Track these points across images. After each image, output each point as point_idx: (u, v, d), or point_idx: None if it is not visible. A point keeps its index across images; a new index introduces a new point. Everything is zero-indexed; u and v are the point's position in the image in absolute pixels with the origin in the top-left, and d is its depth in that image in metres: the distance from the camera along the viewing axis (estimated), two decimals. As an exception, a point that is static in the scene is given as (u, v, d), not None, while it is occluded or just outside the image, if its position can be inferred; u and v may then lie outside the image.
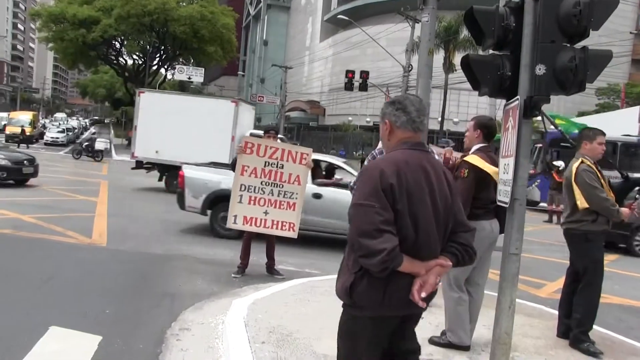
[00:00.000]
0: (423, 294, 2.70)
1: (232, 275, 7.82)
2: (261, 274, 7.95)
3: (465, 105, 62.15)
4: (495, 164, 5.02)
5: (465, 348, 5.15)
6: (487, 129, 5.32)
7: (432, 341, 5.25)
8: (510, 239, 4.05)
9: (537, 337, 5.77)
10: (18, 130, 42.49)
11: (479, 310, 5.42)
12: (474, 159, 5.09)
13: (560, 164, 19.15)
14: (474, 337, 5.40)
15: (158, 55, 53.78)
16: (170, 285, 7.23)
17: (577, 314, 5.62)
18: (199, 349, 5.05)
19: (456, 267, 2.99)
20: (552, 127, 7.31)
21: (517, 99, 3.88)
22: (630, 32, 56.29)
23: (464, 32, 38.75)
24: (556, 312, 6.52)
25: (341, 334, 3.04)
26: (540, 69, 3.78)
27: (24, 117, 47.76)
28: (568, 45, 3.92)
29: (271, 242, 8.18)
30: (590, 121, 42.32)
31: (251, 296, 6.46)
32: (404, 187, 2.72)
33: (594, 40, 4.29)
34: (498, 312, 4.13)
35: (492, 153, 5.25)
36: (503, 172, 4.17)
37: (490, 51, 4.37)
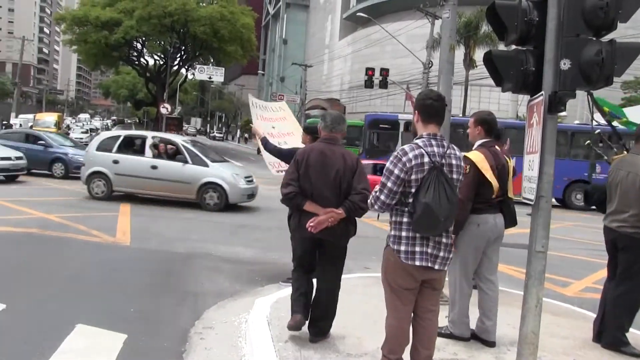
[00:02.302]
0: (312, 224, 4.63)
1: (280, 283, 7.36)
2: (284, 273, 7.92)
3: (486, 102, 61.51)
4: (497, 158, 5.19)
5: (465, 339, 5.21)
6: (487, 124, 5.36)
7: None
8: (536, 236, 3.99)
9: (565, 337, 5.68)
10: (44, 131, 42.93)
11: (497, 306, 5.38)
12: (475, 155, 5.14)
13: None
14: (499, 336, 5.35)
15: (179, 55, 54.10)
16: (193, 283, 7.27)
17: (616, 314, 5.47)
18: (223, 348, 5.06)
19: (347, 215, 4.71)
20: (601, 119, 7.07)
21: (542, 94, 3.82)
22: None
23: (484, 28, 38.40)
24: (584, 312, 6.45)
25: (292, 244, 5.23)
26: (565, 64, 3.71)
27: (50, 118, 48.22)
28: (594, 38, 3.85)
29: None
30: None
31: (274, 295, 6.46)
32: (305, 161, 4.79)
33: (620, 33, 4.21)
34: (524, 311, 4.08)
35: (494, 148, 5.32)
36: (528, 168, 4.11)
37: (513, 46, 4.32)
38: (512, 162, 5.79)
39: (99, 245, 9.20)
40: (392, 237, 3.86)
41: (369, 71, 34.59)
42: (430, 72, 37.84)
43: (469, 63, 40.14)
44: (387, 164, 3.83)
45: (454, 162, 3.87)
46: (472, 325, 5.36)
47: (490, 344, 5.21)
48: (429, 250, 3.78)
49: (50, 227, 10.26)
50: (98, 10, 47.31)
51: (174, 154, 14.63)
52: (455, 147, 3.95)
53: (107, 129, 78.60)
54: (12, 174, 17.84)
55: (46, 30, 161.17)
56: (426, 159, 3.74)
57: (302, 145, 7.41)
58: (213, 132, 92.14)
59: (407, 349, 4.00)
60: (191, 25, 46.05)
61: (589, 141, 9.05)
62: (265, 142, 7.09)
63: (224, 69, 49.66)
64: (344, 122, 5.09)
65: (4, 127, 46.18)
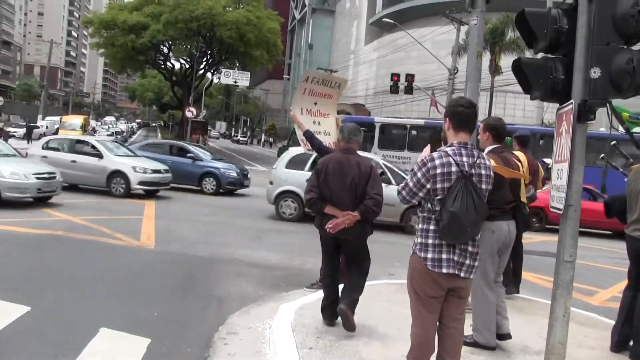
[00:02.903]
0: (331, 226, 5.27)
1: (305, 288, 7.37)
2: (308, 278, 7.90)
3: (511, 108, 61.12)
4: (508, 163, 5.25)
5: (491, 348, 5.18)
6: (496, 130, 5.38)
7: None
8: (564, 246, 3.94)
9: (592, 347, 5.59)
10: (71, 133, 43.54)
11: (505, 303, 5.51)
12: None
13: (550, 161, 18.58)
14: (525, 345, 5.30)
15: (205, 59, 54.51)
16: (217, 288, 7.29)
17: None
18: (247, 354, 5.06)
19: (362, 218, 5.29)
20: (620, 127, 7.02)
21: (571, 102, 3.78)
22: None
23: (510, 34, 38.12)
24: (611, 322, 6.32)
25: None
26: (596, 72, 3.67)
27: (76, 120, 48.87)
28: (625, 47, 3.80)
29: None
30: (642, 123, 40.94)
31: (298, 301, 6.46)
32: (324, 170, 5.42)
33: None
34: (552, 321, 4.03)
35: (505, 154, 5.39)
36: (556, 177, 4.06)
37: (541, 54, 4.28)
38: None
39: (123, 249, 9.28)
40: (418, 245, 3.84)
41: (395, 77, 34.56)
42: (456, 78, 37.74)
43: (495, 69, 39.78)
44: (414, 167, 3.84)
45: (483, 172, 3.83)
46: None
47: (506, 336, 5.28)
48: (455, 258, 3.75)
49: (75, 230, 10.37)
50: (125, 14, 47.99)
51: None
52: (485, 157, 3.91)
53: (132, 131, 79.57)
54: (154, 189, 17.08)
55: (74, 33, 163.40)
56: (454, 168, 3.71)
57: (333, 130, 7.50)
58: (237, 136, 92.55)
59: (433, 357, 3.96)
60: (217, 30, 46.37)
61: (603, 155, 8.95)
62: (311, 136, 6.98)
63: (249, 73, 49.93)
64: (359, 133, 5.68)
65: (31, 129, 46.91)
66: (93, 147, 17.26)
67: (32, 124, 48.52)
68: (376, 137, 25.58)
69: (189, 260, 8.80)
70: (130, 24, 46.80)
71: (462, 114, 3.87)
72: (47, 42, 67.60)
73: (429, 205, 3.80)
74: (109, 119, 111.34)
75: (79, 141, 18.27)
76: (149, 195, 16.83)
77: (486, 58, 39.54)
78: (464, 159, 3.77)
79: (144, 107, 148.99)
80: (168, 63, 58.28)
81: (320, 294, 6.76)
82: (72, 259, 8.38)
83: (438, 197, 3.73)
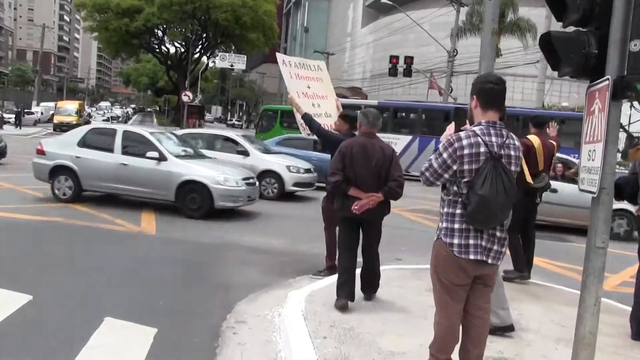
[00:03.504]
0: (357, 207, 5.48)
1: (311, 276, 7.17)
2: (314, 264, 7.69)
3: (510, 91, 60.51)
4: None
5: (509, 328, 5.07)
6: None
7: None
8: (596, 231, 3.72)
9: (612, 335, 5.38)
10: (66, 119, 43.23)
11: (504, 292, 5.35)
12: None
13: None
14: (545, 334, 5.13)
15: (200, 43, 53.99)
16: (223, 275, 7.10)
17: None
18: (257, 343, 4.85)
19: (385, 199, 5.60)
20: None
21: (607, 79, 3.54)
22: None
23: (510, 16, 37.73)
24: (626, 307, 6.16)
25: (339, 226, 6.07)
26: (637, 45, 3.42)
27: (71, 106, 48.54)
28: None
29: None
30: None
31: (307, 287, 6.25)
32: (349, 153, 5.58)
33: None
34: (582, 311, 3.81)
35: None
36: (587, 159, 3.83)
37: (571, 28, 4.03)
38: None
39: (125, 235, 9.06)
40: (443, 230, 3.62)
41: (393, 59, 34.22)
42: (455, 61, 37.44)
43: (495, 51, 39.38)
44: (440, 145, 3.62)
45: (512, 152, 3.62)
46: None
47: (509, 328, 5.08)
48: (483, 244, 3.55)
49: (75, 217, 10.13)
50: (119, -3, 47.40)
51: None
52: (514, 137, 3.69)
53: (128, 117, 79.07)
54: (305, 190, 15.46)
55: (66, 17, 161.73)
56: (482, 149, 3.50)
57: (334, 111, 7.52)
58: (232, 120, 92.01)
59: (456, 347, 3.76)
60: (213, 12, 45.94)
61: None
62: (310, 119, 6.89)
63: (245, 56, 49.43)
64: (380, 118, 6.00)
65: (24, 115, 46.40)
66: (235, 142, 15.47)
67: (21, 109, 47.76)
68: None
69: (192, 246, 8.59)
70: (124, 7, 46.37)
71: (491, 91, 3.65)
72: (39, 27, 66.65)
73: (455, 188, 3.59)
74: (103, 104, 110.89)
75: (216, 136, 16.17)
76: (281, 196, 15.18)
77: (485, 40, 39.18)
78: (493, 139, 3.56)
79: (138, 92, 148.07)
80: (163, 47, 57.89)
81: (329, 280, 6.60)
82: (72, 246, 8.18)
83: (465, 180, 3.51)
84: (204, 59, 60.18)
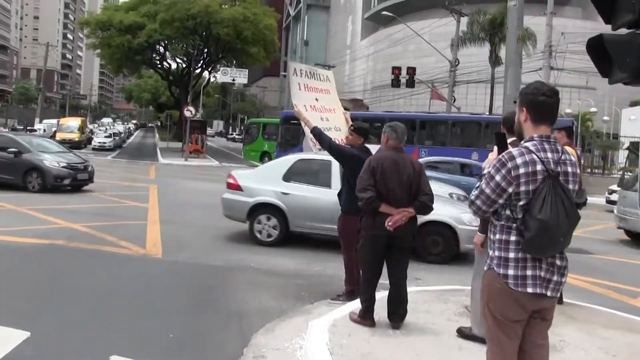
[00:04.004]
0: (390, 223, 5.24)
1: (330, 301, 6.68)
2: (331, 287, 7.24)
3: (512, 100, 60.59)
4: None
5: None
6: (511, 123, 4.97)
7: (459, 331, 5.37)
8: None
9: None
10: (68, 136, 42.91)
11: None
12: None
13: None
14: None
15: (202, 58, 53.80)
16: (236, 301, 6.63)
17: None
18: (279, 383, 4.40)
19: (417, 215, 5.49)
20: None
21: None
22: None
23: (510, 25, 37.54)
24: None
25: (360, 247, 5.70)
26: None
27: (73, 123, 48.21)
28: None
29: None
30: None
31: (328, 316, 5.79)
32: (380, 168, 5.38)
33: None
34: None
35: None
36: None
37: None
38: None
39: (129, 258, 8.61)
40: (496, 259, 3.17)
41: (396, 70, 33.88)
42: (457, 70, 37.14)
43: (495, 60, 39.14)
44: (489, 168, 3.18)
45: (569, 169, 3.18)
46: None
47: None
48: (542, 274, 3.10)
49: (76, 238, 9.69)
50: (121, 14, 47.41)
51: None
52: (568, 152, 3.26)
53: (130, 132, 78.84)
54: None
55: (69, 36, 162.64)
56: (539, 167, 3.07)
57: (343, 125, 7.22)
58: (232, 134, 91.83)
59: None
60: (214, 27, 45.71)
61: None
62: (319, 134, 6.55)
63: (247, 70, 49.23)
64: (406, 133, 5.80)
65: (27, 132, 46.20)
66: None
67: (24, 127, 47.49)
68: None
69: (201, 270, 8.13)
70: (127, 24, 46.14)
71: (545, 104, 3.20)
72: (43, 45, 67.02)
73: (508, 212, 3.15)
74: (105, 120, 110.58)
75: None
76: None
77: (485, 49, 39.04)
78: (549, 155, 3.12)
79: (140, 108, 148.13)
80: (165, 63, 57.61)
81: (350, 307, 6.15)
82: (75, 272, 7.71)
83: (521, 203, 3.08)
84: (206, 73, 59.94)
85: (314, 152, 7.39)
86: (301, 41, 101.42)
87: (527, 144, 3.16)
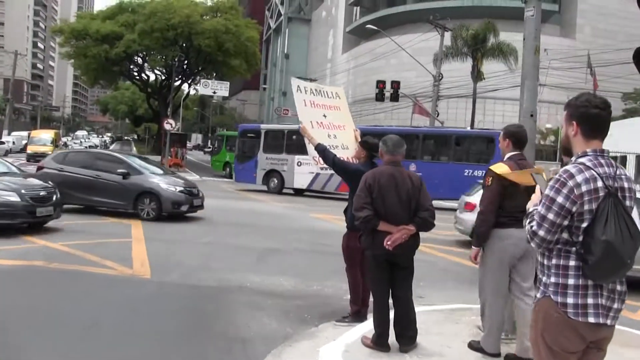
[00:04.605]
0: (389, 242, 4.96)
1: (335, 323, 6.22)
2: (333, 308, 6.84)
3: (491, 114, 61.05)
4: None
5: (495, 355, 5.12)
6: (515, 137, 5.28)
7: (470, 345, 5.34)
8: None
9: None
10: (41, 149, 42.04)
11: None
12: (499, 167, 5.10)
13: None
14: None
15: (181, 69, 53.16)
16: (236, 326, 6.17)
17: None
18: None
19: (418, 231, 5.16)
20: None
21: None
22: None
23: (492, 40, 37.80)
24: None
25: (368, 267, 5.43)
26: None
27: (46, 135, 47.34)
28: None
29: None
30: (616, 126, 41.18)
31: (339, 341, 5.39)
32: (376, 185, 5.10)
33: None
34: None
35: (524, 161, 5.22)
36: None
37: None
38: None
39: (116, 280, 8.08)
40: (552, 286, 2.85)
41: (380, 84, 33.79)
42: (441, 85, 37.15)
43: (477, 75, 39.33)
44: (547, 191, 2.85)
45: (625, 184, 2.89)
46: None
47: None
48: (604, 302, 2.81)
49: (57, 259, 9.12)
50: (98, 23, 46.55)
51: None
52: (621, 166, 2.97)
53: (106, 145, 77.76)
54: None
55: (40, 45, 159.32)
56: (599, 183, 2.77)
57: (352, 143, 6.80)
58: (210, 148, 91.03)
59: None
60: (195, 38, 45.04)
61: None
62: (323, 150, 6.23)
63: (228, 83, 48.70)
64: (403, 144, 5.46)
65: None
66: None
67: None
68: (262, 142, 27.59)
69: (193, 291, 7.64)
70: (104, 34, 45.24)
71: (598, 118, 2.89)
72: (11, 53, 65.06)
73: (566, 236, 2.83)
74: (80, 132, 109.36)
75: None
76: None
77: (468, 64, 39.25)
78: (606, 170, 2.83)
79: (116, 121, 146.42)
80: (143, 74, 56.73)
81: (359, 329, 5.80)
82: (56, 297, 7.15)
83: (584, 225, 2.77)
84: (185, 86, 59.27)
85: (316, 170, 7.05)
86: (282, 54, 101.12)
87: (583, 160, 2.86)
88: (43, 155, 41.03)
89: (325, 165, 6.47)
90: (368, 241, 5.22)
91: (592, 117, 2.90)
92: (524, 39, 5.69)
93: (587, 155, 2.87)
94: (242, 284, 8.11)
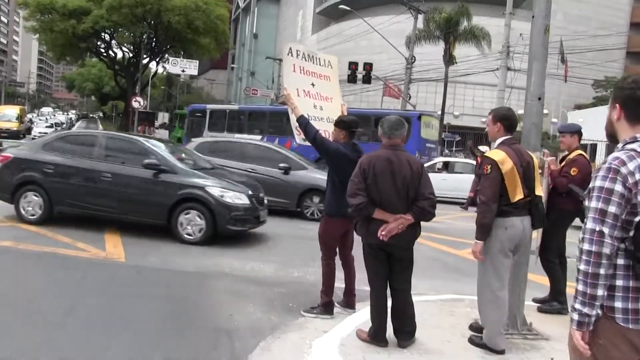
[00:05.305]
0: (384, 233, 4.66)
1: (303, 312, 6.00)
2: (315, 295, 6.58)
3: (461, 98, 61.40)
4: (521, 156, 4.91)
5: (500, 352, 4.90)
6: (507, 120, 5.07)
7: (470, 340, 5.17)
8: None
9: None
10: (6, 125, 40.92)
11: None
12: (496, 154, 4.88)
13: (485, 149, 18.85)
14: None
15: (150, 47, 51.98)
16: (220, 315, 5.89)
17: None
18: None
19: (416, 221, 4.81)
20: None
21: None
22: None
23: (464, 24, 37.70)
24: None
25: (364, 257, 5.09)
26: None
27: (11, 111, 45.95)
28: None
29: (350, 269, 6.25)
30: (587, 114, 41.57)
31: (332, 334, 5.17)
32: (371, 170, 4.78)
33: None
34: None
35: (517, 145, 5.06)
36: None
37: None
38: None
39: (90, 263, 7.71)
40: None
41: (352, 65, 33.46)
42: (413, 68, 37.02)
43: (449, 59, 39.22)
44: (597, 182, 2.55)
45: None
46: None
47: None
48: None
49: (27, 239, 8.73)
50: (65, -4, 45.10)
51: None
52: None
53: (72, 123, 76.05)
54: None
55: (3, 19, 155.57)
56: None
57: (335, 117, 6.34)
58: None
59: None
60: (164, 15, 44.02)
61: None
62: (306, 124, 5.88)
63: (197, 62, 47.84)
64: (402, 126, 5.03)
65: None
66: None
67: None
68: (207, 121, 28.85)
69: (172, 277, 7.32)
70: (71, 9, 43.87)
71: None
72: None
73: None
74: (46, 109, 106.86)
75: None
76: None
77: (440, 48, 39.11)
78: None
79: (82, 98, 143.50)
80: (110, 51, 55.37)
81: (352, 320, 5.58)
82: (30, 280, 6.81)
83: (637, 218, 2.49)
84: (153, 64, 58.05)
85: (297, 142, 6.62)
86: (250, 34, 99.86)
87: (633, 146, 2.59)
88: (8, 131, 40.05)
89: (304, 137, 6.09)
90: (363, 229, 4.91)
91: (638, 100, 2.66)
92: (532, 17, 5.42)
93: (638, 140, 2.63)
94: (221, 269, 7.84)
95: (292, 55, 6.42)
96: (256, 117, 29.52)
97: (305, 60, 6.54)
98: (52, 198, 9.92)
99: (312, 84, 6.50)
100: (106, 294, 6.38)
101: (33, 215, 9.95)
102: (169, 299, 6.39)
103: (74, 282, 6.76)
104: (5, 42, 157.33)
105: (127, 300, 6.22)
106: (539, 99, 5.31)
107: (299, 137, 6.33)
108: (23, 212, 9.98)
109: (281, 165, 13.30)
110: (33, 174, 10.00)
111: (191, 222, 9.40)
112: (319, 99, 6.52)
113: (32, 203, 9.98)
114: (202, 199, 9.37)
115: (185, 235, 9.38)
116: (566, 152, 6.66)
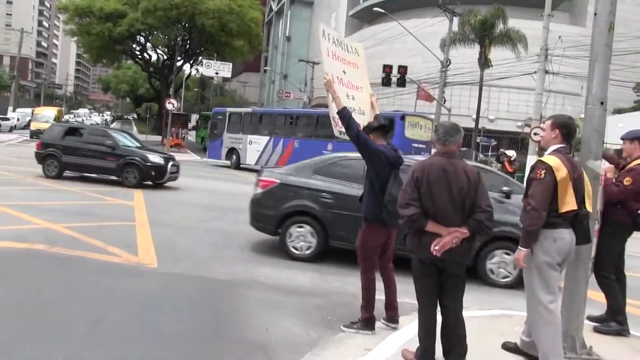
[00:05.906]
0: (437, 247, 4.32)
1: (343, 327, 5.67)
2: (355, 307, 6.23)
3: (495, 102, 60.38)
4: (574, 166, 4.64)
5: None
6: (567, 129, 4.79)
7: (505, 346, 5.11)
8: None
9: None
10: (44, 126, 41.33)
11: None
12: (552, 160, 4.59)
13: (512, 153, 18.94)
14: None
15: (184, 49, 52.35)
16: (254, 328, 5.59)
17: None
18: None
19: (472, 234, 4.40)
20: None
21: None
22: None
23: (500, 26, 36.99)
24: None
25: (413, 271, 4.70)
26: None
27: (49, 112, 46.55)
28: None
29: (391, 280, 5.90)
30: (628, 118, 40.60)
31: (375, 352, 4.84)
32: (425, 179, 4.44)
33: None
34: None
35: (570, 155, 4.76)
36: None
37: None
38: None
39: (121, 269, 7.50)
40: None
41: (387, 68, 33.04)
42: (448, 71, 36.47)
43: (485, 62, 38.53)
44: None
45: None
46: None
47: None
48: None
49: (59, 242, 8.57)
50: (102, 1, 45.75)
51: None
52: None
53: (107, 124, 77.05)
54: None
55: (45, 23, 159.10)
56: None
57: (368, 109, 6.23)
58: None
59: None
60: (199, 18, 44.28)
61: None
62: (350, 117, 5.53)
63: (231, 64, 47.97)
64: (458, 132, 4.62)
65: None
66: None
67: (1, 116, 45.98)
68: (226, 123, 30.75)
69: (205, 285, 7.07)
70: (107, 12, 44.52)
71: None
72: (17, 31, 65.14)
73: None
74: (82, 110, 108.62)
75: None
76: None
77: (475, 51, 38.44)
78: None
79: (117, 100, 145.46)
80: (145, 53, 55.94)
81: (396, 337, 5.24)
82: (58, 287, 6.57)
83: None
84: (187, 66, 58.46)
85: (335, 134, 6.20)
86: (283, 36, 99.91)
87: None
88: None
89: (344, 130, 5.69)
90: (413, 243, 4.53)
91: None
92: (595, 14, 5.02)
93: None
94: (255, 278, 7.57)
95: (325, 38, 5.96)
96: (266, 119, 30.25)
97: (335, 45, 6.10)
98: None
99: (344, 71, 6.07)
100: (136, 303, 6.12)
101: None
102: (200, 309, 6.12)
103: (103, 290, 6.52)
104: (46, 45, 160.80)
105: (156, 309, 5.96)
106: (602, 103, 4.91)
107: (336, 129, 5.97)
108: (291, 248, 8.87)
109: None
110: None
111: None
112: (350, 88, 6.08)
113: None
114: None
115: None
116: (628, 160, 6.22)
